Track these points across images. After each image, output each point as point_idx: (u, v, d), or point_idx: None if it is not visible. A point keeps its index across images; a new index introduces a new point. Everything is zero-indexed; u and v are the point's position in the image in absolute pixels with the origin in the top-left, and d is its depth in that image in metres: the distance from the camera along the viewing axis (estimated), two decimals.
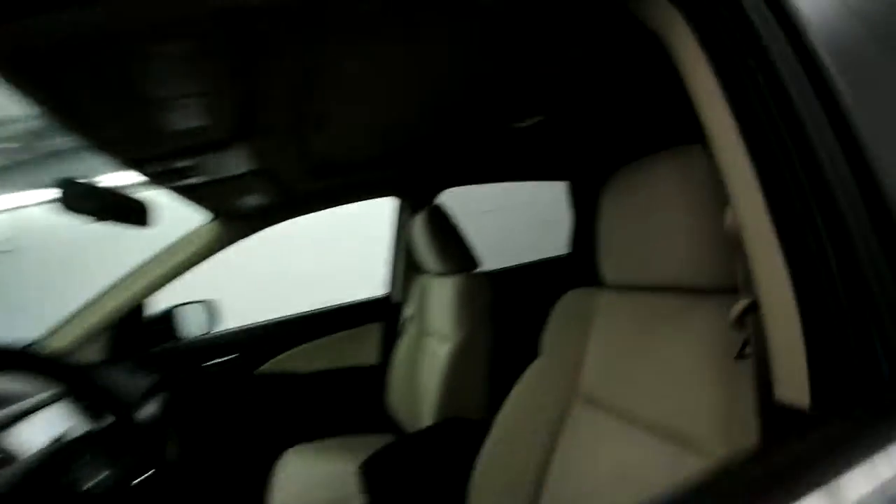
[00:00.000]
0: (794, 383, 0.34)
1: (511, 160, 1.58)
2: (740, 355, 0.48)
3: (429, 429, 1.24)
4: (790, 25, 0.37)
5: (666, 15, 0.44)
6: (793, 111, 0.35)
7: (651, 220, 0.66)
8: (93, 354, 1.22)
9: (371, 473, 1.09)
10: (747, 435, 0.49)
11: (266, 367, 1.58)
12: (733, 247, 0.44)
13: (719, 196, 0.59)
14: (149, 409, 0.94)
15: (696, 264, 0.60)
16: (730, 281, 0.59)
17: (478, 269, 1.39)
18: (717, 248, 0.57)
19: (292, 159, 1.07)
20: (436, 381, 1.26)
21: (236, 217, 1.36)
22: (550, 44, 0.74)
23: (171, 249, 1.32)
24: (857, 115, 0.35)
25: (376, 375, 1.63)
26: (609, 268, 0.76)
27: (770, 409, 0.44)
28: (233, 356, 1.55)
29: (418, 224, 1.41)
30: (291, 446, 1.41)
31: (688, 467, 0.55)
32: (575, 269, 1.90)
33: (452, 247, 1.37)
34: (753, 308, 0.43)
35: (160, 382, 1.06)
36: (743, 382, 0.50)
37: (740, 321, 0.44)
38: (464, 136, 1.22)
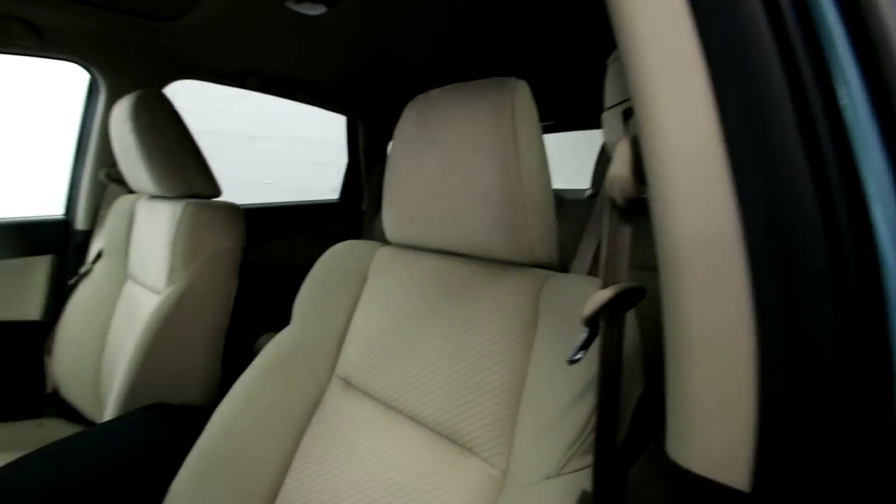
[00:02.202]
0: (714, 441, 0.20)
1: (282, 65, 1.19)
2: (573, 359, 0.36)
3: (123, 418, 0.84)
4: None
5: None
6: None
7: (428, 165, 0.53)
8: None
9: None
10: (547, 463, 0.40)
11: None
12: (618, 195, 0.31)
13: (532, 136, 0.47)
14: None
15: (499, 230, 0.48)
16: (549, 255, 0.50)
17: (217, 199, 1.01)
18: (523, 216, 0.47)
19: None
20: (135, 350, 0.86)
21: None
22: None
23: None
24: None
25: (38, 335, 1.09)
26: (392, 221, 0.60)
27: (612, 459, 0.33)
28: None
29: (121, 114, 0.93)
30: None
31: (467, 470, 0.45)
32: (345, 219, 1.73)
33: (178, 157, 0.94)
34: (626, 299, 0.32)
35: None
36: (564, 396, 0.41)
37: (597, 317, 0.33)
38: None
